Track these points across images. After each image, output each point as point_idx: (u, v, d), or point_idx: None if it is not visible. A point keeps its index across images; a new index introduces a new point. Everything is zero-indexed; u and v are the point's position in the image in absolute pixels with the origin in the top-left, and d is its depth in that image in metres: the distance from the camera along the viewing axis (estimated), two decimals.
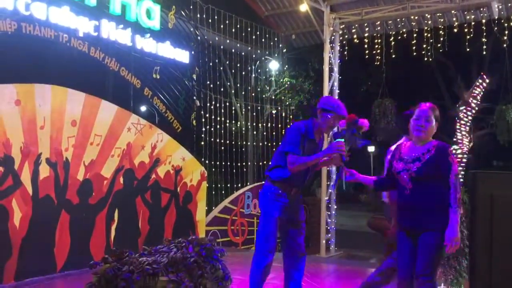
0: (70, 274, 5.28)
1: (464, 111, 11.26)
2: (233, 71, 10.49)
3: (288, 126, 11.38)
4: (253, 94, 11.30)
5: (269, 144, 11.11)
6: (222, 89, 9.87)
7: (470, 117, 11.30)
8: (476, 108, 11.37)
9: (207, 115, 9.06)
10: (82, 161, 5.56)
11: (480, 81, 11.24)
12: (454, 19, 9.34)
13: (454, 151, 11.16)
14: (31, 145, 5.01)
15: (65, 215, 5.37)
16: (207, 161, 8.74)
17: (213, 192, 9.01)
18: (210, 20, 8.79)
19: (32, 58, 5.39)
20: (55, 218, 5.28)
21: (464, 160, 11.16)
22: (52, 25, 5.54)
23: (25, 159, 4.95)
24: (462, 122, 11.24)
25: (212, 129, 9.17)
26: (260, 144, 11.36)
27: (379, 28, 9.79)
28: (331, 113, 3.66)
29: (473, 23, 9.26)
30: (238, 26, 9.66)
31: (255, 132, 11.51)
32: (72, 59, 5.83)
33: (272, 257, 3.69)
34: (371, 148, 22.76)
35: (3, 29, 5.12)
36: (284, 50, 11.32)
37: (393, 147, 3.81)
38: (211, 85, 9.21)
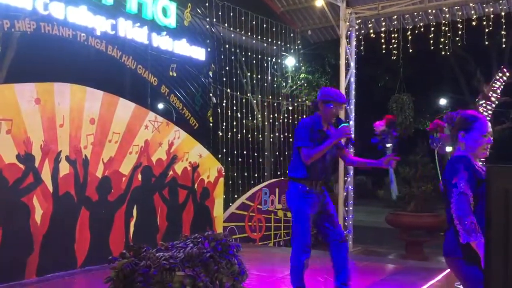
0: (90, 269, 5.36)
1: (484, 105, 11.08)
2: (249, 67, 10.50)
3: None
4: (269, 91, 11.30)
5: (286, 141, 11.10)
6: (238, 86, 9.89)
7: (490, 112, 11.12)
8: (496, 102, 11.18)
9: (224, 112, 9.09)
10: (100, 159, 5.64)
11: (500, 74, 11.05)
12: (473, 12, 9.19)
13: None
14: (51, 143, 5.10)
15: (85, 212, 5.46)
16: (224, 158, 8.78)
17: (230, 189, 9.05)
18: (225, 17, 8.81)
19: (51, 57, 5.47)
20: (75, 214, 5.37)
21: None
22: (70, 24, 5.62)
23: (45, 156, 5.04)
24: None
25: (229, 125, 9.20)
26: (277, 140, 11.36)
27: (396, 22, 9.69)
28: (331, 103, 3.85)
29: (492, 15, 9.11)
30: (254, 22, 9.66)
31: (271, 128, 11.50)
32: (90, 58, 5.91)
33: (309, 252, 3.85)
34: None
35: (23, 29, 5.21)
36: (300, 46, 11.29)
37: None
38: (228, 82, 9.24)
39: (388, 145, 3.70)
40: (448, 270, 5.92)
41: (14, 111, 4.76)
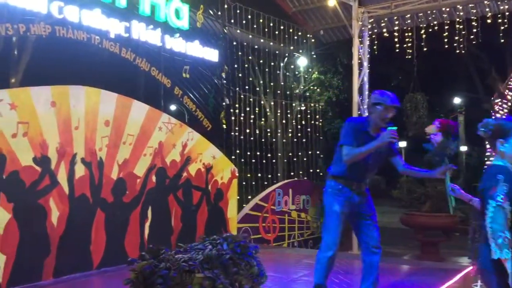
0: (106, 270, 5.39)
1: (500, 104, 10.96)
2: (261, 68, 10.50)
3: (317, 123, 11.37)
4: (282, 91, 11.28)
5: (299, 141, 11.08)
6: (251, 87, 9.89)
7: (505, 110, 10.99)
8: None
9: (237, 113, 9.10)
10: (115, 161, 5.66)
11: None
12: (487, 9, 9.09)
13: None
14: (66, 145, 5.13)
15: (101, 213, 5.49)
16: (237, 159, 8.78)
17: (244, 190, 9.05)
18: (238, 18, 8.82)
19: (66, 60, 5.54)
20: (91, 216, 5.40)
21: None
22: (85, 27, 5.67)
23: (61, 159, 5.07)
24: (498, 115, 10.94)
25: (242, 126, 9.20)
26: (290, 140, 11.34)
27: (409, 21, 9.61)
28: (380, 105, 3.75)
29: (507, 13, 9.00)
30: (266, 23, 9.65)
31: (284, 129, 11.49)
32: (104, 61, 5.96)
33: (335, 250, 3.83)
34: (402, 143, 22.42)
35: (38, 33, 5.27)
36: (312, 46, 11.26)
37: None
38: (240, 83, 9.24)
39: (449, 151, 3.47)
40: (466, 271, 5.86)
41: (30, 114, 4.80)
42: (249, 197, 8.94)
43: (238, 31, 9.00)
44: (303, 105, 11.55)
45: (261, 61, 10.25)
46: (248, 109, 9.47)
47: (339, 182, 3.87)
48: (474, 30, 9.33)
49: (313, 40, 11.07)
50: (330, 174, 3.96)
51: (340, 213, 3.84)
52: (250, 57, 9.98)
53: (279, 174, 11.00)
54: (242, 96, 9.32)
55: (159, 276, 2.22)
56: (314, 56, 11.78)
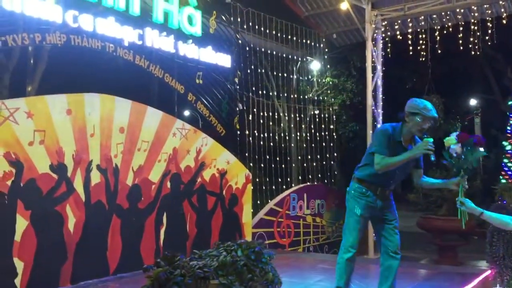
0: (122, 276, 5.43)
1: None
2: (274, 73, 10.50)
3: (331, 126, 11.32)
4: (295, 95, 11.27)
5: (312, 145, 11.04)
6: (264, 92, 9.90)
7: None
8: None
9: (250, 118, 9.11)
10: (130, 167, 5.71)
11: None
12: (502, 10, 8.98)
13: (505, 147, 10.73)
14: (82, 152, 5.19)
15: (116, 220, 5.53)
16: (251, 164, 8.78)
17: (258, 194, 9.04)
18: (250, 23, 8.84)
19: (81, 68, 5.61)
20: (107, 222, 5.45)
21: None
22: (99, 36, 5.74)
23: (77, 166, 5.13)
24: None
25: (256, 131, 9.21)
26: (304, 145, 11.31)
27: (423, 23, 9.54)
28: (419, 115, 3.69)
29: None
30: (279, 28, 9.66)
31: (298, 133, 11.46)
32: (118, 68, 6.02)
33: (353, 252, 3.86)
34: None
35: (54, 42, 5.34)
36: (326, 50, 11.23)
37: None
38: (253, 88, 9.26)
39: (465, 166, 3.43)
40: (484, 275, 5.78)
41: (46, 122, 4.87)
42: (264, 202, 8.93)
43: (251, 36, 9.02)
44: (316, 109, 11.52)
45: (274, 66, 10.26)
46: (261, 113, 9.47)
47: (363, 186, 3.87)
48: (489, 31, 9.22)
49: (325, 44, 11.04)
50: (356, 177, 3.95)
51: (361, 216, 3.85)
52: (263, 62, 9.99)
53: (293, 179, 10.98)
54: (255, 101, 9.33)
55: (174, 283, 2.23)
56: (327, 59, 11.75)
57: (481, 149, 3.50)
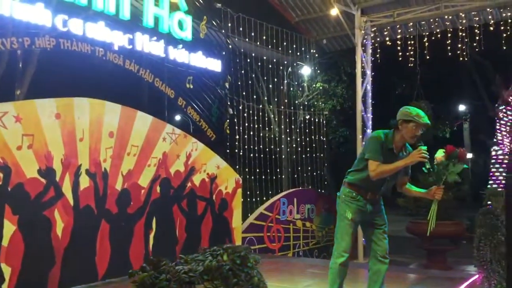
0: (111, 282, 5.40)
1: (504, 110, 10.92)
2: (265, 78, 10.54)
3: (322, 131, 11.36)
4: (285, 100, 11.31)
5: (303, 150, 11.07)
6: (254, 96, 9.93)
7: (510, 117, 10.94)
8: None
9: (241, 123, 9.12)
10: (120, 171, 5.69)
11: None
12: (490, 17, 9.11)
13: (494, 152, 10.84)
14: (71, 157, 5.17)
15: (105, 224, 5.50)
16: (241, 169, 8.79)
17: (248, 199, 9.04)
18: (241, 29, 8.88)
19: (70, 72, 5.60)
20: (96, 227, 5.42)
21: (505, 161, 10.81)
22: (89, 40, 5.72)
23: (66, 170, 5.11)
24: (502, 122, 10.90)
25: (246, 136, 9.22)
26: (294, 149, 11.34)
27: (412, 29, 9.65)
28: (412, 123, 3.72)
29: (509, 20, 9.01)
30: (269, 33, 9.70)
31: (288, 138, 11.50)
32: (108, 72, 6.00)
33: (346, 257, 3.88)
34: None
35: (43, 46, 5.32)
36: (316, 55, 11.30)
37: None
38: (244, 93, 9.28)
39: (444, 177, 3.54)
40: (472, 279, 5.83)
41: (35, 126, 4.84)
42: (254, 206, 8.94)
43: (242, 41, 9.05)
44: (307, 114, 11.57)
45: (264, 71, 10.29)
46: (252, 118, 9.49)
47: (353, 190, 3.90)
48: (477, 38, 9.33)
49: (316, 49, 11.10)
50: (346, 181, 3.98)
51: (351, 220, 3.88)
52: (253, 67, 10.02)
53: (283, 184, 10.99)
54: (246, 106, 9.35)
55: (160, 287, 2.24)
56: (318, 65, 11.81)
57: (463, 163, 3.60)
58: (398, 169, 3.75)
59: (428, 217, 3.58)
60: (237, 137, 8.90)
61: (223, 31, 8.16)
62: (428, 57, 9.91)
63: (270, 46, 9.83)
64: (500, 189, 8.68)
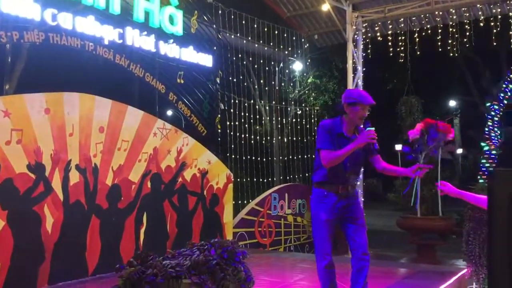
0: (101, 277, 5.38)
1: (494, 106, 11.01)
2: (256, 73, 10.53)
3: (313, 127, 11.39)
4: (277, 96, 11.32)
5: (294, 145, 11.10)
6: (246, 92, 9.92)
7: (500, 113, 11.04)
8: (506, 103, 11.10)
9: (232, 118, 9.12)
10: (110, 167, 5.67)
11: (511, 76, 10.98)
12: (480, 13, 9.15)
13: (484, 148, 10.93)
14: (61, 152, 5.14)
15: (96, 220, 5.49)
16: (232, 164, 8.79)
17: (240, 194, 9.06)
18: (232, 24, 8.85)
19: (60, 67, 5.54)
20: (86, 222, 5.41)
21: (493, 156, 10.91)
22: (78, 34, 5.68)
23: (55, 165, 5.08)
24: (493, 117, 10.99)
25: (237, 131, 9.22)
26: (285, 145, 11.36)
27: (402, 25, 9.67)
28: (357, 105, 3.72)
29: (499, 16, 9.06)
30: (261, 28, 9.69)
31: (280, 133, 11.51)
32: (98, 67, 5.96)
33: (329, 259, 3.80)
34: (398, 147, 22.48)
35: (32, 40, 5.27)
36: (308, 51, 11.30)
37: None
38: (235, 88, 9.27)
39: (423, 153, 3.56)
40: (460, 273, 5.88)
41: (24, 121, 4.81)
42: (245, 201, 8.95)
43: (233, 36, 9.03)
44: (298, 109, 11.58)
45: (256, 66, 10.28)
46: (243, 113, 9.49)
47: (323, 189, 3.82)
48: (468, 34, 9.38)
49: (308, 45, 11.11)
50: (314, 182, 3.91)
51: (326, 221, 3.79)
52: (245, 62, 10.01)
53: (275, 179, 11.02)
54: (237, 101, 9.35)
55: (146, 282, 2.24)
56: (310, 60, 11.82)
57: (445, 135, 3.58)
58: (349, 152, 3.66)
59: (412, 192, 3.57)
60: (229, 132, 8.89)
61: (215, 26, 8.12)
62: (418, 53, 9.94)
63: (261, 41, 9.83)
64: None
